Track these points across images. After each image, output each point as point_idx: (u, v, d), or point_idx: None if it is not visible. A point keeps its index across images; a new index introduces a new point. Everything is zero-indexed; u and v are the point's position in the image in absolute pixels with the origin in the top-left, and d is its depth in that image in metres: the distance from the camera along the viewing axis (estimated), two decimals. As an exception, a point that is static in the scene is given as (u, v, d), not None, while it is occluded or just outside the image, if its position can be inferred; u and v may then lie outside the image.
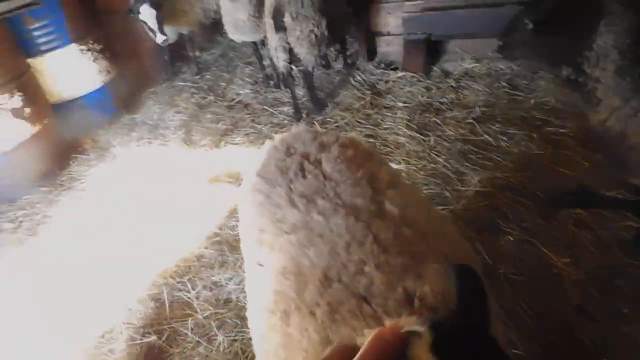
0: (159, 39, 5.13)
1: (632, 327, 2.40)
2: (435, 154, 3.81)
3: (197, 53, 6.26)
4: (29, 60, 4.73)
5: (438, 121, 4.14)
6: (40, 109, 4.58)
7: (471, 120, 4.04)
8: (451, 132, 3.99)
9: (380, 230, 1.47)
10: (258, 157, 1.94)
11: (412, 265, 1.37)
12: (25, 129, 4.41)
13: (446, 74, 4.75)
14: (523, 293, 2.67)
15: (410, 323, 1.05)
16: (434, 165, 3.71)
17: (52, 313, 3.18)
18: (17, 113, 4.33)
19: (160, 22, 5.10)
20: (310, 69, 4.47)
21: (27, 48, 4.71)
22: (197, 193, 4.00)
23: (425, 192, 3.48)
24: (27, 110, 4.41)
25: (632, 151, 2.15)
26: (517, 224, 3.09)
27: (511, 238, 3.03)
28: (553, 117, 3.89)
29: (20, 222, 4.19)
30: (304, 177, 1.66)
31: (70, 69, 5.00)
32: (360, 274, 1.34)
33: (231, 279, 3.13)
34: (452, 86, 4.54)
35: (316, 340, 1.30)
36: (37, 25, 4.71)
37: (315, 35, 4.21)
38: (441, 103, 4.38)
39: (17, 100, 4.33)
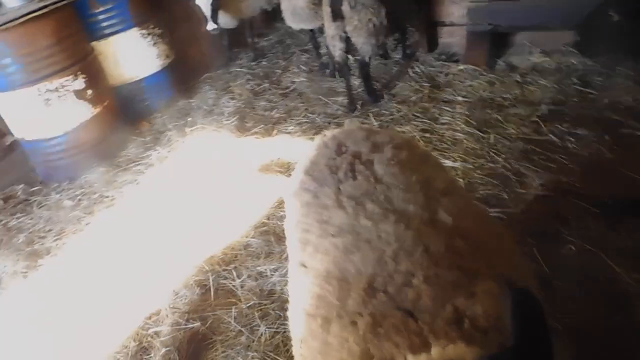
0: (209, 26, 5.21)
1: None
2: (495, 153, 3.60)
3: (255, 39, 6.26)
4: (93, 43, 4.87)
5: (500, 118, 3.92)
6: (101, 91, 4.71)
7: (536, 119, 3.80)
8: (513, 131, 3.77)
9: (431, 240, 1.37)
10: (307, 153, 1.86)
11: (464, 281, 1.27)
12: (87, 110, 4.55)
13: (512, 68, 4.49)
14: (584, 309, 2.48)
15: (459, 354, 0.95)
16: (492, 165, 3.51)
17: (104, 291, 3.27)
18: (79, 94, 4.47)
19: (215, 9, 5.14)
20: (367, 59, 4.35)
21: (91, 31, 4.85)
22: (247, 181, 3.99)
23: (482, 192, 3.30)
24: (89, 92, 4.55)
25: None
26: (581, 233, 2.85)
27: (573, 248, 2.80)
28: (629, 118, 3.58)
29: (79, 200, 4.34)
30: (354, 178, 1.58)
31: (131, 52, 5.11)
32: (408, 286, 1.25)
33: (276, 270, 3.10)
34: (517, 81, 4.28)
35: (356, 353, 1.23)
36: (101, 9, 4.84)
37: (374, 25, 4.09)
38: (504, 99, 4.14)
39: (80, 82, 4.46)
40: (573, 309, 2.47)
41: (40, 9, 4.08)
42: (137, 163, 4.63)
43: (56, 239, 3.90)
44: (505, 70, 4.49)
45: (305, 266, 1.57)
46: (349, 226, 1.47)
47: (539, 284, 2.54)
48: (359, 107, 4.56)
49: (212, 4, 5.11)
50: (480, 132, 3.84)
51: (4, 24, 3.83)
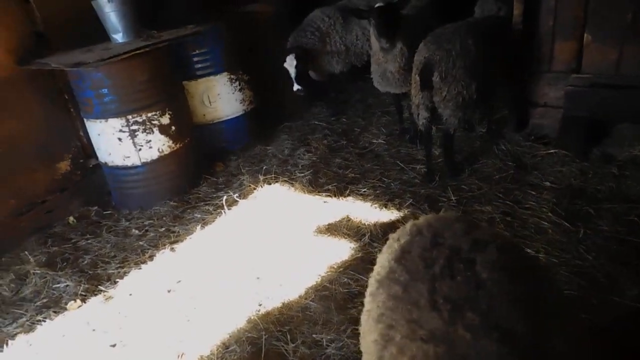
0: (295, 87, 5.43)
1: None
2: (584, 250, 3.30)
3: (337, 95, 6.31)
4: (185, 83, 5.05)
5: (591, 211, 3.62)
6: (184, 128, 4.84)
7: (634, 217, 3.48)
8: (606, 228, 3.45)
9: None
10: (396, 238, 1.72)
11: None
12: (168, 145, 4.67)
13: (608, 158, 4.18)
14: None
15: None
16: (580, 262, 3.20)
17: (154, 331, 3.20)
18: (163, 129, 4.61)
19: (300, 73, 5.38)
20: (451, 131, 4.22)
21: (183, 71, 5.04)
22: (313, 239, 3.88)
23: (565, 292, 2.99)
24: (173, 128, 4.68)
25: None
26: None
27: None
28: None
29: (146, 230, 4.38)
30: (452, 277, 1.41)
31: (218, 95, 5.26)
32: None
33: (333, 341, 2.91)
34: (613, 173, 3.97)
35: None
36: (197, 51, 5.04)
37: (463, 98, 4.00)
38: (597, 190, 3.84)
39: (166, 118, 4.61)
40: None
41: (141, 47, 4.28)
42: (206, 202, 4.65)
43: (118, 267, 3.92)
44: (600, 159, 4.18)
45: (386, 368, 1.40)
46: (443, 333, 1.29)
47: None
48: (437, 178, 4.40)
49: (296, 67, 5.33)
50: (569, 223, 3.55)
51: (109, 58, 4.03)
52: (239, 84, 5.40)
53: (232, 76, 5.31)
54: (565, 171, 4.14)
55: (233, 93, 5.38)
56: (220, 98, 5.30)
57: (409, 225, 1.70)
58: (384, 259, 1.65)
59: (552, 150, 4.38)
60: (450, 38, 3.97)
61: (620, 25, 3.90)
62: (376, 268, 1.68)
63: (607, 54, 4.01)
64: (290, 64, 5.38)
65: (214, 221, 4.33)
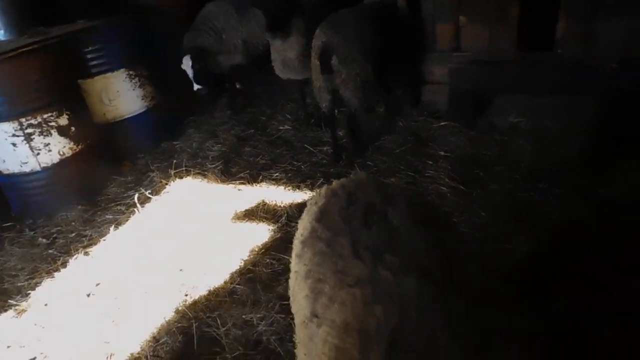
0: (195, 87, 5.44)
1: None
2: (479, 208, 3.69)
3: (238, 86, 6.35)
4: (80, 81, 4.84)
5: (482, 174, 4.05)
6: (84, 129, 4.66)
7: (516, 176, 3.94)
8: (495, 187, 3.89)
9: (452, 297, 1.39)
10: (314, 202, 1.87)
11: (485, 337, 1.28)
12: (69, 147, 4.48)
13: (492, 127, 4.68)
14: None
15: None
16: (477, 219, 3.59)
17: (80, 334, 3.12)
18: (62, 131, 4.41)
19: (197, 73, 5.37)
20: (352, 111, 4.47)
21: (79, 69, 4.83)
22: (231, 226, 3.95)
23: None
24: (72, 129, 4.49)
25: None
26: (567, 294, 2.87)
27: (559, 310, 2.80)
28: (608, 185, 3.68)
29: (55, 238, 4.20)
30: (369, 228, 1.59)
31: (117, 93, 5.10)
32: (434, 342, 1.25)
33: (263, 319, 3.03)
34: (497, 140, 4.47)
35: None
36: (91, 48, 4.85)
37: (361, 79, 4.23)
38: (486, 156, 4.30)
39: (64, 119, 4.41)
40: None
41: (29, 44, 4.06)
42: (117, 203, 4.54)
43: (28, 278, 3.73)
44: (486, 128, 4.67)
45: (317, 317, 1.55)
46: (367, 277, 1.47)
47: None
48: (344, 157, 4.64)
49: (193, 68, 5.33)
50: (464, 186, 3.94)
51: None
52: (139, 80, 5.27)
53: (130, 72, 5.17)
54: (456, 141, 4.57)
55: (133, 90, 5.24)
56: (120, 96, 5.13)
57: (323, 189, 1.87)
58: (305, 222, 1.80)
59: (443, 123, 4.81)
60: (345, 22, 4.20)
61: (488, 7, 4.37)
62: (299, 231, 1.83)
63: (480, 34, 4.48)
64: (186, 65, 5.34)
65: (127, 220, 4.25)
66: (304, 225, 1.80)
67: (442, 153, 4.45)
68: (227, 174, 4.73)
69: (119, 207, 4.46)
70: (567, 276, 2.99)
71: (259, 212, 4.04)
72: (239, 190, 4.46)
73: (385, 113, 5.28)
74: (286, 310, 2.68)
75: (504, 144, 4.41)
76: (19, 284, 3.69)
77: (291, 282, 1.84)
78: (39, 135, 4.26)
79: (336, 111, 4.74)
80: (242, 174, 4.66)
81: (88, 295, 3.48)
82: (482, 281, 1.71)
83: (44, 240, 4.17)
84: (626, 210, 3.43)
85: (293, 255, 1.83)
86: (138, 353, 2.94)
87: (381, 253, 1.51)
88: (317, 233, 1.69)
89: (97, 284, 3.56)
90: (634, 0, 3.86)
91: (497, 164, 4.14)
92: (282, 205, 4.08)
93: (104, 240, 4.04)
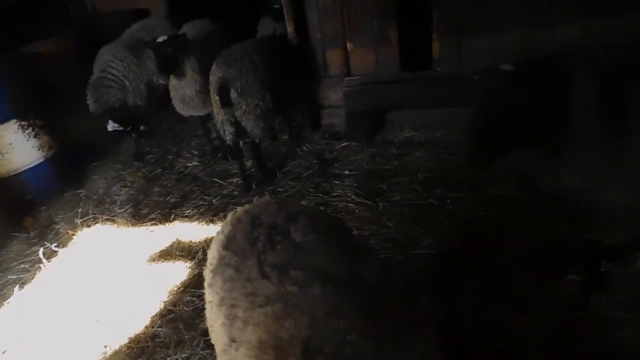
0: (110, 127, 5.44)
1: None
2: (385, 219, 3.92)
3: (143, 127, 6.26)
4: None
5: (385, 187, 4.32)
6: (-24, 187, 4.38)
7: (416, 186, 4.25)
8: (398, 198, 4.16)
9: (358, 298, 1.52)
10: (221, 231, 1.96)
11: (394, 331, 1.41)
12: (-41, 209, 4.18)
13: (388, 142, 5.01)
14: (480, 358, 2.71)
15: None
16: (385, 230, 3.81)
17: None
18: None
19: (124, 122, 5.39)
20: (257, 140, 4.60)
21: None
22: (147, 269, 3.89)
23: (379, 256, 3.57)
24: (-38, 188, 4.21)
25: (592, 207, 2.33)
26: (470, 285, 3.17)
27: (464, 301, 3.11)
28: (491, 181, 4.12)
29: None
30: (273, 248, 1.70)
31: (10, 145, 4.85)
32: (344, 344, 1.36)
33: (189, 358, 3.02)
34: (394, 153, 4.79)
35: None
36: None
37: (261, 109, 4.39)
38: (386, 170, 4.59)
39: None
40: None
41: None
42: (20, 261, 4.29)
43: None
44: (383, 144, 4.99)
45: (235, 341, 1.63)
46: (276, 294, 1.57)
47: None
48: (254, 186, 4.74)
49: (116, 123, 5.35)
50: (370, 201, 4.18)
51: None
52: (33, 130, 5.03)
53: (22, 123, 4.93)
54: (359, 159, 4.83)
55: (27, 140, 4.98)
56: (13, 148, 4.86)
57: (229, 217, 1.96)
58: (213, 251, 1.88)
59: (345, 143, 5.07)
60: (238, 56, 4.34)
61: (371, 32, 4.74)
62: (208, 261, 1.90)
63: (367, 57, 4.83)
64: (112, 126, 5.33)
65: (33, 278, 4.03)
66: (212, 255, 1.88)
67: (347, 172, 4.68)
68: (138, 217, 4.64)
69: (22, 266, 4.22)
70: (470, 270, 3.30)
71: (174, 251, 4.01)
72: (151, 231, 4.39)
73: (289, 139, 5.46)
74: (211, 345, 2.69)
75: (401, 157, 4.74)
76: None
77: (207, 313, 1.89)
78: None
79: (241, 142, 4.84)
80: (153, 215, 4.60)
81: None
82: (387, 278, 1.85)
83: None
84: (514, 203, 3.84)
85: (205, 285, 1.89)
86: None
87: (286, 269, 1.62)
88: (225, 260, 1.77)
89: (4, 352, 3.34)
90: (495, 21, 4.40)
91: (397, 176, 4.44)
92: (197, 242, 4.09)
93: (8, 303, 3.80)
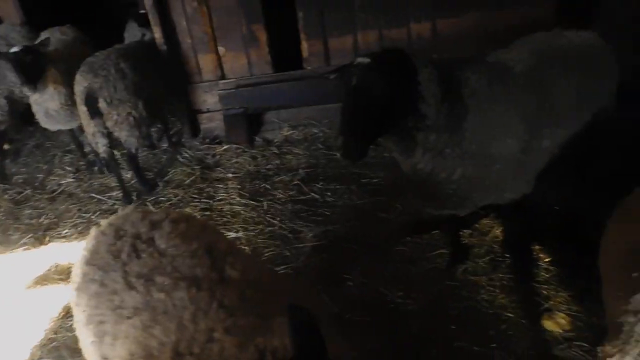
0: None
1: (462, 342, 2.78)
2: (271, 217, 4.03)
3: (6, 146, 5.77)
4: None
5: (268, 186, 4.41)
6: None
7: (297, 182, 4.39)
8: (281, 195, 4.28)
9: (224, 295, 1.57)
10: (84, 246, 1.91)
11: (260, 322, 1.49)
12: None
13: (268, 142, 5.12)
14: (373, 333, 2.92)
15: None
16: (271, 228, 3.92)
17: None
18: None
19: None
20: (133, 151, 4.46)
21: None
22: (24, 298, 3.62)
23: (267, 254, 3.65)
24: None
25: (440, 185, 2.59)
26: (355, 270, 3.39)
27: (351, 283, 3.31)
28: (366, 169, 4.41)
29: None
30: (138, 257, 1.70)
31: None
32: (211, 342, 1.41)
33: (74, 386, 2.88)
34: (275, 153, 4.90)
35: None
36: None
37: (134, 118, 4.26)
38: (268, 169, 4.68)
39: None
40: (359, 334, 2.90)
41: None
42: None
43: None
44: (264, 144, 5.08)
45: (107, 358, 1.61)
46: (143, 304, 1.58)
47: (334, 319, 3.01)
48: (135, 198, 4.59)
49: None
50: (254, 201, 4.25)
51: None
52: None
53: None
54: (240, 161, 4.88)
55: None
56: None
57: (92, 231, 1.91)
58: (77, 268, 1.83)
59: (226, 147, 5.09)
60: (103, 64, 4.16)
61: (240, 35, 4.79)
62: (72, 279, 1.85)
63: (239, 60, 4.89)
64: None
65: None
66: (75, 273, 1.83)
67: (230, 175, 4.70)
68: (7, 244, 4.29)
69: None
70: (353, 254, 3.50)
71: (51, 275, 3.79)
72: (24, 257, 4.09)
73: (168, 147, 5.35)
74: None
75: (282, 155, 4.87)
76: None
77: (77, 333, 1.84)
78: None
79: (118, 153, 4.67)
80: (24, 240, 4.28)
81: None
82: (259, 271, 1.91)
83: None
84: (386, 188, 4.12)
85: (72, 305, 1.83)
86: None
87: (152, 277, 1.63)
88: (89, 276, 1.74)
89: None
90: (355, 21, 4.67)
91: (279, 174, 4.56)
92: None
93: None
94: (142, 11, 5.05)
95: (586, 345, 2.60)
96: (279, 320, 1.44)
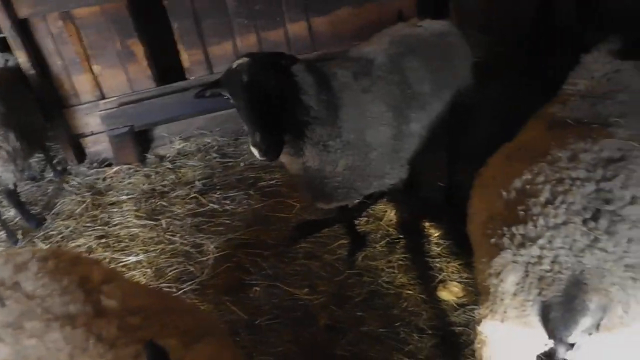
0: None
1: (369, 327, 2.91)
2: (171, 235, 3.93)
3: None
4: None
5: (165, 203, 4.29)
6: None
7: (195, 195, 4.31)
8: (180, 210, 4.18)
9: (102, 328, 1.51)
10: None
11: (142, 349, 1.45)
12: None
13: (161, 158, 4.96)
14: (285, 333, 2.97)
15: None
16: (172, 246, 3.82)
17: None
18: None
19: None
20: (11, 186, 4.13)
21: None
22: None
23: (171, 274, 3.57)
24: None
25: (327, 179, 2.68)
26: (260, 274, 3.43)
27: (258, 289, 3.33)
28: (262, 173, 4.44)
29: None
30: (3, 305, 1.59)
31: None
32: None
33: None
34: (169, 168, 4.77)
35: None
36: None
37: (6, 152, 3.95)
38: (164, 186, 4.54)
39: None
40: (275, 337, 2.94)
41: None
42: None
43: None
44: (156, 161, 4.92)
45: None
46: (14, 354, 1.48)
47: (245, 327, 3.00)
48: (20, 237, 4.26)
49: None
50: (152, 221, 4.11)
51: None
52: None
53: None
54: (133, 181, 4.69)
55: None
56: None
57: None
58: None
59: (116, 168, 4.86)
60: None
61: (115, 51, 4.60)
62: None
63: (118, 77, 4.69)
64: None
65: None
66: None
67: (124, 197, 4.51)
68: None
69: None
70: (262, 258, 3.53)
71: None
72: None
73: (54, 176, 5.02)
74: None
75: (176, 170, 4.74)
76: None
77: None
78: None
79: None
80: None
81: None
82: (144, 294, 1.86)
83: None
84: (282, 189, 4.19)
85: None
86: None
87: (21, 324, 1.53)
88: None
89: None
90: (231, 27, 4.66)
91: (175, 190, 4.45)
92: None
93: None
94: (1, 35, 4.67)
95: (478, 307, 2.81)
96: (167, 342, 1.42)
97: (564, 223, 1.62)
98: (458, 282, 3.06)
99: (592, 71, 2.33)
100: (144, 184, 4.62)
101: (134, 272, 3.61)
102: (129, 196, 4.50)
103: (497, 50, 4.20)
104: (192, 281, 3.48)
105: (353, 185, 2.72)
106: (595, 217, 1.60)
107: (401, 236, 3.44)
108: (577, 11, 3.80)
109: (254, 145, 2.28)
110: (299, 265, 3.45)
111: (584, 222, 1.60)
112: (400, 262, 3.27)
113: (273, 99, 2.32)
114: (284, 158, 2.62)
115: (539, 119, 2.33)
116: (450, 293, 2.99)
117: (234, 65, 2.36)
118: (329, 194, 2.77)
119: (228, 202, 4.18)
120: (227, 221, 3.98)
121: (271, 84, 2.31)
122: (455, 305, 2.94)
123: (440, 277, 3.12)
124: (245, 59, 2.35)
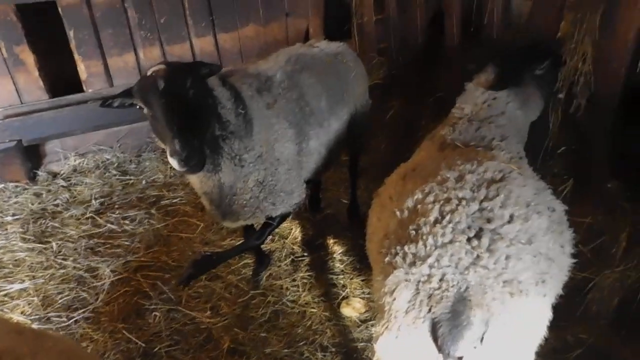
0: None
1: (272, 348, 2.87)
2: (62, 259, 3.66)
3: None
4: None
5: (57, 225, 3.98)
6: None
7: (91, 215, 4.05)
8: (73, 232, 3.90)
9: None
10: None
11: None
12: None
13: (54, 175, 4.61)
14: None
15: None
16: (63, 271, 3.56)
17: None
18: None
19: None
20: None
21: None
22: None
23: (61, 301, 3.32)
24: None
25: (236, 197, 2.64)
26: (160, 298, 3.27)
27: (157, 314, 3.18)
28: (165, 191, 4.27)
29: None
30: None
31: None
32: None
33: None
34: (63, 186, 4.44)
35: None
36: None
37: None
38: (56, 205, 4.22)
39: None
40: None
41: None
42: None
43: None
44: (49, 178, 4.55)
45: None
46: None
47: (143, 356, 2.83)
48: None
49: None
50: (42, 244, 3.80)
51: None
52: None
53: None
54: (21, 200, 4.30)
55: None
56: None
57: None
58: None
59: (0, 186, 4.43)
60: None
61: (0, 59, 4.21)
62: None
63: (4, 87, 4.29)
64: None
65: None
66: None
67: (9, 218, 4.12)
68: None
69: None
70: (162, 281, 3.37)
71: None
72: None
73: None
74: None
75: (71, 187, 4.43)
76: None
77: None
78: None
79: None
80: None
81: None
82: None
83: None
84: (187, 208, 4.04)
85: None
86: None
87: None
88: None
89: None
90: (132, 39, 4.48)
91: (69, 209, 4.14)
92: None
93: None
94: None
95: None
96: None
97: (451, 242, 1.69)
98: (361, 297, 3.10)
99: (475, 97, 2.50)
100: (33, 204, 4.25)
101: (17, 302, 3.32)
102: (15, 217, 4.13)
103: (393, 72, 4.41)
104: (85, 309, 3.26)
105: (260, 205, 2.69)
106: (478, 236, 1.69)
107: (305, 254, 3.45)
108: (460, 38, 4.08)
109: (173, 154, 2.13)
110: (202, 287, 3.34)
111: (468, 240, 1.69)
112: (305, 280, 3.27)
113: (191, 107, 2.23)
114: (196, 175, 2.52)
115: (431, 140, 2.45)
116: (353, 309, 3.02)
117: (149, 72, 2.25)
118: (236, 211, 2.71)
119: (127, 222, 3.97)
120: (126, 242, 3.77)
121: (189, 92, 2.23)
122: (358, 321, 2.98)
123: (344, 293, 3.15)
124: (161, 66, 2.25)
